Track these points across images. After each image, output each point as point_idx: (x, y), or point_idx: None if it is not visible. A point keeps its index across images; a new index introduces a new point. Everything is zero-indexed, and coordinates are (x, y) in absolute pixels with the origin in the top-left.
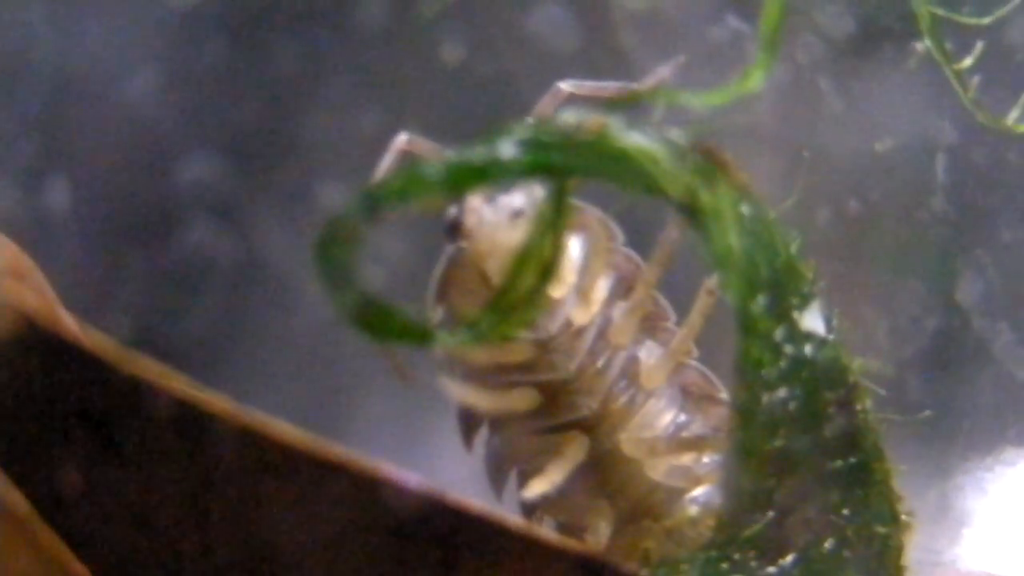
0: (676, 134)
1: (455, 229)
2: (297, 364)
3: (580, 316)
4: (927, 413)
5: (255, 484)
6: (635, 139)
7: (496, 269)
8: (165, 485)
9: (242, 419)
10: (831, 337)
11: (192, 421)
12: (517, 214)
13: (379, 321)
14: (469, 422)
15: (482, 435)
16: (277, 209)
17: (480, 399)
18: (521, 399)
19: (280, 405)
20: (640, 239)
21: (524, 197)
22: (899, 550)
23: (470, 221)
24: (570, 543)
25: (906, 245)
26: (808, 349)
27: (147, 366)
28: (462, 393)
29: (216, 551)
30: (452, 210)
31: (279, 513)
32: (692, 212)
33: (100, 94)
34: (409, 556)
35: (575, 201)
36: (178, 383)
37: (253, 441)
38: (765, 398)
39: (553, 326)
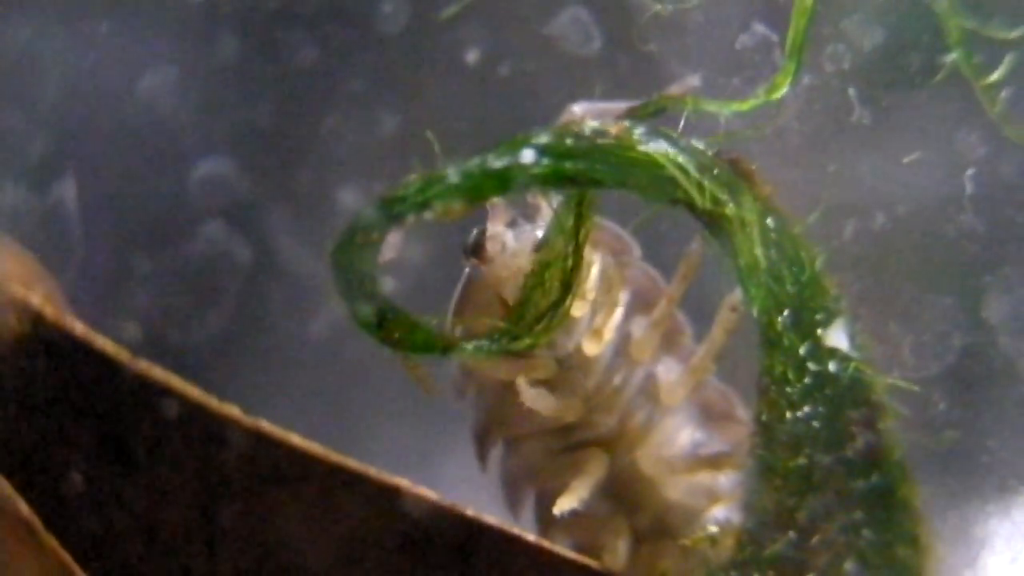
0: (701, 143)
1: (476, 252)
2: (311, 375)
3: (594, 342)
4: (952, 434)
5: (265, 494)
6: (659, 147)
7: (515, 293)
8: (173, 493)
9: (253, 427)
10: (855, 354)
11: (201, 427)
12: (539, 246)
13: (400, 332)
14: (484, 440)
15: (497, 456)
16: (292, 212)
17: (544, 403)
18: (567, 409)
19: (292, 415)
20: (655, 253)
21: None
22: (921, 574)
23: (492, 248)
24: (587, 560)
25: (933, 261)
26: (832, 366)
27: (156, 371)
28: (509, 371)
29: (225, 563)
30: (474, 232)
31: (290, 524)
32: (716, 223)
33: (112, 94)
34: (426, 569)
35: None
36: (188, 389)
37: (264, 450)
38: (788, 415)
39: (571, 344)
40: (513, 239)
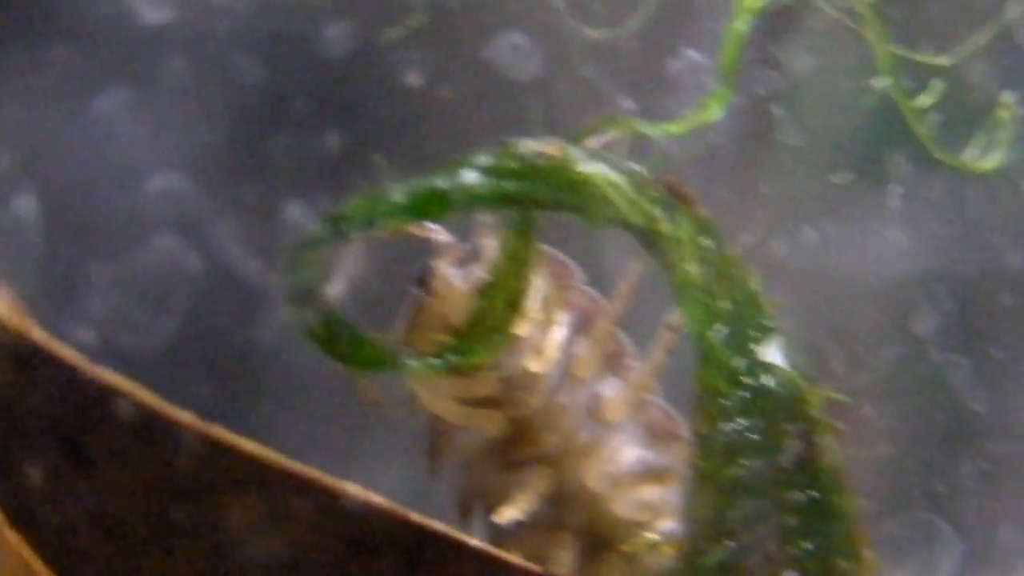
0: (638, 165)
1: (422, 286)
2: (261, 384)
3: (537, 360)
4: (887, 448)
5: (220, 498)
6: (596, 167)
7: (460, 318)
8: (131, 496)
9: (205, 431)
10: (790, 370)
11: (158, 432)
12: (484, 287)
13: (348, 346)
14: (434, 455)
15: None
16: (241, 225)
17: (451, 411)
18: (489, 419)
19: (244, 424)
20: (602, 281)
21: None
22: None
23: (438, 286)
24: (532, 566)
25: (863, 274)
26: (767, 380)
27: (112, 376)
28: (435, 403)
29: (180, 564)
30: (422, 265)
31: (243, 527)
32: (652, 242)
33: (70, 107)
34: (372, 573)
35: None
36: (142, 394)
37: (218, 454)
38: (724, 427)
39: (516, 364)
40: (459, 278)
